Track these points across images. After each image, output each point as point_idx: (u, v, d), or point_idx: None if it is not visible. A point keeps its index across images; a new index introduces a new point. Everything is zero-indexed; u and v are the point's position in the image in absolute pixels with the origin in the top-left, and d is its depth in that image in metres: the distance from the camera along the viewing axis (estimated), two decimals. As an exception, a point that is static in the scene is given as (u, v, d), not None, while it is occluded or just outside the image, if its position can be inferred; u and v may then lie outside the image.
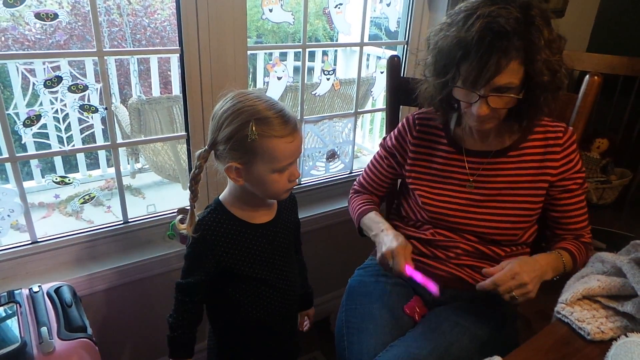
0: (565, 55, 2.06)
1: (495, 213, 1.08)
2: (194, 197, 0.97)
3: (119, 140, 2.46)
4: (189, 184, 0.97)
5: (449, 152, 1.13)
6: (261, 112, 0.88)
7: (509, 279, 0.93)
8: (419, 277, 1.00)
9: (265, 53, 3.43)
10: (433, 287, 0.98)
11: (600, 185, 1.88)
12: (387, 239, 1.07)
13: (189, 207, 0.97)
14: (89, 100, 1.26)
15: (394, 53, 1.63)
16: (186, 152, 1.47)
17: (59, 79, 1.19)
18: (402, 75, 1.55)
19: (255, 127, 0.87)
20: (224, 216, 0.98)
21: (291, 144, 0.91)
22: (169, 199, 2.87)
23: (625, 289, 0.82)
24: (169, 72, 3.44)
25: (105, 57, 1.23)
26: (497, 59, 0.88)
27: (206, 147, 0.94)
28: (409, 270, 1.00)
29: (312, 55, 3.46)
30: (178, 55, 1.30)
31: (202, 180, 0.96)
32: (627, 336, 0.73)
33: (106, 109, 1.26)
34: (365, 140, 3.27)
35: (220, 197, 1.02)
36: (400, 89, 1.39)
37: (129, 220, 1.41)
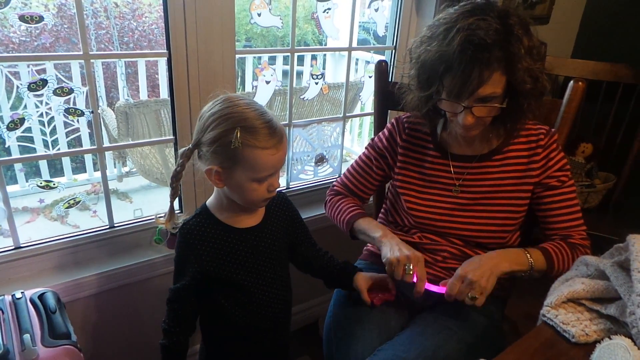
0: (550, 61, 2.11)
1: (481, 217, 1.09)
2: (173, 194, 0.98)
3: (106, 144, 2.45)
4: (170, 181, 0.98)
5: (436, 157, 1.14)
6: (249, 120, 0.88)
7: (458, 285, 0.96)
8: (433, 287, 1.02)
9: (254, 57, 3.43)
10: (439, 289, 1.01)
11: (585, 189, 1.90)
12: (405, 246, 1.05)
13: (176, 212, 0.98)
14: (74, 103, 1.24)
15: (383, 58, 1.64)
16: (174, 156, 1.46)
17: (44, 82, 1.17)
18: (390, 79, 1.56)
19: (240, 135, 0.86)
20: (207, 220, 0.98)
21: (274, 156, 0.90)
22: (157, 203, 2.84)
23: (609, 291, 0.83)
24: (156, 76, 3.42)
25: (91, 60, 1.22)
26: (480, 71, 0.90)
27: (190, 146, 0.94)
28: (427, 285, 1.01)
29: (301, 60, 3.46)
30: (166, 58, 1.29)
31: (190, 183, 0.96)
32: (610, 338, 0.74)
33: (92, 112, 1.25)
34: (354, 144, 3.28)
35: (207, 202, 1.02)
36: (388, 94, 1.40)
37: (115, 225, 1.40)
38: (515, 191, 1.08)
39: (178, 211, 1.47)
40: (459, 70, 0.91)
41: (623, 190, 1.93)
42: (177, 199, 1.12)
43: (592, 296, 0.84)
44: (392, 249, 1.04)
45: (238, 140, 0.86)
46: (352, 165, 1.30)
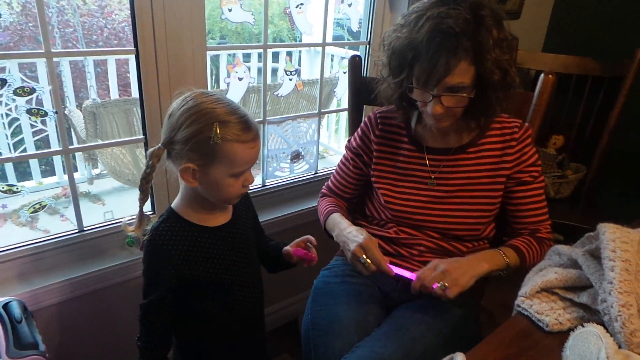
0: (522, 55, 2.14)
1: (456, 209, 1.10)
2: (143, 198, 0.94)
3: (75, 145, 2.37)
4: (139, 184, 0.94)
5: (411, 150, 1.14)
6: (224, 115, 0.87)
7: (431, 272, 0.97)
8: (396, 269, 1.01)
9: (229, 54, 3.39)
10: (410, 275, 1.00)
11: (557, 180, 1.94)
12: (350, 235, 1.07)
13: (149, 214, 0.94)
14: (37, 103, 1.20)
15: (357, 53, 1.63)
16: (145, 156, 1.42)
17: (3, 82, 1.12)
18: (364, 74, 1.56)
19: (219, 130, 0.85)
20: (178, 223, 0.95)
21: (252, 149, 0.90)
22: (130, 205, 2.76)
23: (581, 280, 0.84)
24: (127, 74, 3.34)
25: (56, 59, 1.17)
26: (447, 60, 0.90)
27: (160, 145, 0.91)
28: (396, 269, 1.01)
29: (276, 57, 3.44)
30: (133, 56, 1.25)
31: (163, 184, 0.93)
32: (583, 326, 0.75)
33: (57, 112, 1.20)
34: (332, 141, 3.28)
35: (173, 205, 0.99)
36: (362, 89, 1.39)
37: (85, 229, 1.35)
38: (490, 183, 1.09)
39: (150, 212, 1.43)
40: (427, 57, 0.91)
41: (593, 181, 1.98)
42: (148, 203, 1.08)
43: (565, 285, 0.85)
44: (345, 248, 1.06)
45: (217, 135, 0.85)
46: (335, 168, 1.32)
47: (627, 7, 1.97)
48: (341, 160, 1.29)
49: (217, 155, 0.87)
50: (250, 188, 1.65)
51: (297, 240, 1.12)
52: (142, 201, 0.95)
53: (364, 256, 1.01)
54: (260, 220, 1.60)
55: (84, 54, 2.76)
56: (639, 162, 2.06)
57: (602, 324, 0.75)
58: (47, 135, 2.66)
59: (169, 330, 0.98)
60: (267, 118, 1.60)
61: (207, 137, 0.85)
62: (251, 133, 0.89)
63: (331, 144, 3.24)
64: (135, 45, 1.22)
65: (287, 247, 1.12)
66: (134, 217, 0.98)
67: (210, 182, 0.91)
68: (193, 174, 0.90)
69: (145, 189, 0.94)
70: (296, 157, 1.75)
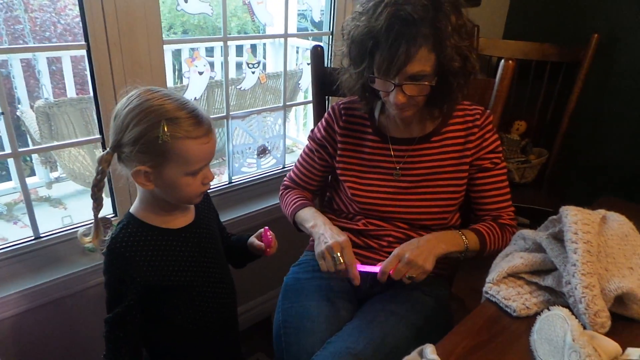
0: (483, 42, 2.16)
1: (423, 199, 1.09)
2: (97, 206, 0.89)
3: (30, 147, 2.26)
4: (91, 192, 0.88)
5: (375, 141, 1.13)
6: (172, 111, 0.82)
7: (395, 263, 0.97)
8: (365, 267, 1.01)
9: (190, 49, 3.30)
10: (375, 269, 1.00)
11: (521, 165, 1.98)
12: (329, 232, 1.05)
13: (110, 216, 0.89)
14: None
15: (320, 44, 1.61)
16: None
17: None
18: (327, 65, 1.53)
19: (167, 128, 0.80)
20: (139, 228, 0.90)
21: (206, 145, 0.85)
22: (94, 207, 2.67)
23: (546, 263, 0.85)
24: (85, 72, 3.21)
25: (3, 57, 1.09)
26: (407, 47, 0.89)
27: (108, 149, 0.86)
28: (359, 266, 1.00)
29: (241, 51, 3.37)
30: (85, 51, 1.19)
31: (125, 187, 0.88)
32: (549, 309, 0.76)
33: (3, 113, 1.13)
34: (300, 134, 3.25)
35: (131, 210, 0.94)
36: (325, 80, 1.37)
37: (41, 235, 1.28)
38: (455, 171, 1.09)
39: (112, 215, 1.37)
40: (387, 46, 0.90)
41: (555, 164, 2.03)
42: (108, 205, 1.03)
43: (531, 269, 0.87)
44: (319, 243, 1.04)
45: (166, 134, 0.80)
46: (298, 159, 1.29)
47: (583, -6, 2.02)
48: (304, 151, 1.27)
49: (169, 155, 0.83)
50: (217, 186, 1.63)
51: (257, 233, 1.10)
52: (97, 210, 0.89)
53: (339, 253, 0.99)
54: (228, 219, 1.59)
55: (30, 50, 2.59)
56: (599, 145, 2.13)
57: (567, 306, 0.76)
58: (1, 139, 2.53)
59: (138, 343, 0.93)
60: (231, 113, 1.56)
61: (156, 137, 0.80)
62: (203, 128, 0.84)
63: (299, 137, 3.22)
64: (86, 39, 1.16)
65: (252, 238, 1.10)
66: (90, 223, 0.92)
67: (166, 184, 0.86)
68: (146, 176, 0.85)
69: (98, 197, 0.89)
70: (263, 152, 1.72)
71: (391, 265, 0.97)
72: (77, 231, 1.30)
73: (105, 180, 0.89)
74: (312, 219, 1.12)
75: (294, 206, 1.19)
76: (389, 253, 1.10)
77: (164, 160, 0.83)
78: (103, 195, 0.91)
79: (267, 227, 1.07)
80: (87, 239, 0.91)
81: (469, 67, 0.97)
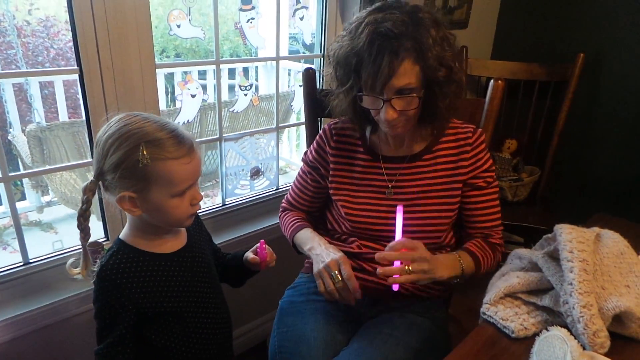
0: (471, 63, 2.19)
1: (416, 217, 1.09)
2: (85, 236, 0.86)
3: (21, 171, 2.24)
4: (77, 222, 0.86)
5: (367, 160, 1.13)
6: (151, 133, 0.81)
7: (410, 247, 0.94)
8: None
9: (183, 72, 3.32)
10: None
11: (514, 183, 1.99)
12: (325, 252, 1.05)
13: (102, 240, 0.87)
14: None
15: (312, 66, 1.62)
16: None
17: None
18: (319, 87, 1.55)
19: (147, 151, 0.79)
20: (130, 254, 0.88)
21: (188, 165, 0.84)
22: (85, 232, 2.63)
23: (542, 283, 0.85)
24: (78, 96, 3.21)
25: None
26: (389, 60, 0.90)
27: (92, 178, 0.84)
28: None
29: (233, 74, 3.40)
30: (77, 75, 1.19)
31: (116, 211, 0.87)
32: (547, 330, 0.75)
33: (-7, 138, 1.12)
34: (293, 156, 3.25)
35: (121, 236, 0.91)
36: (317, 101, 1.38)
37: (31, 261, 1.26)
38: (447, 189, 1.09)
39: (104, 239, 1.35)
40: (370, 61, 0.92)
41: (547, 182, 2.04)
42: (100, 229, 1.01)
43: (528, 289, 0.86)
44: (316, 263, 1.04)
45: (145, 157, 0.79)
46: (293, 181, 1.29)
47: (569, 13, 2.07)
48: (298, 174, 1.27)
49: (152, 178, 0.81)
50: (210, 208, 1.62)
51: (253, 247, 1.08)
52: (84, 240, 0.87)
53: (337, 271, 0.99)
54: (222, 241, 1.57)
55: (23, 75, 2.58)
56: (590, 162, 2.15)
57: (565, 325, 0.76)
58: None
59: None
60: (224, 135, 1.56)
61: (136, 161, 0.79)
62: (184, 147, 0.83)
63: (292, 159, 3.22)
64: (79, 64, 1.16)
65: (248, 252, 1.08)
66: (78, 251, 0.90)
67: (153, 208, 0.85)
68: (132, 202, 0.83)
69: (85, 227, 0.86)
70: (256, 173, 1.71)
71: (409, 245, 0.94)
72: (66, 257, 1.29)
73: (92, 208, 0.88)
74: (309, 242, 1.12)
75: (292, 229, 1.20)
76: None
77: (147, 184, 0.82)
78: (90, 224, 0.89)
79: (263, 241, 1.06)
80: (76, 270, 0.89)
81: (454, 77, 0.98)
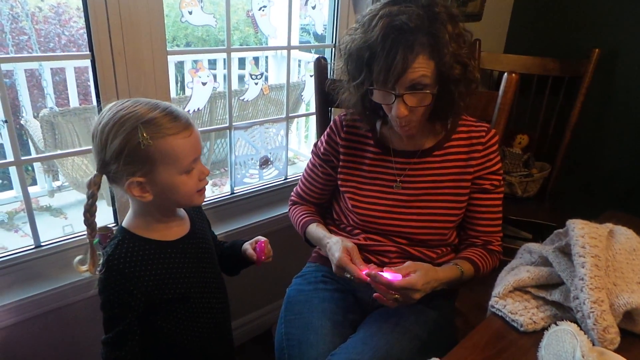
0: (484, 56, 2.17)
1: (422, 213, 1.08)
2: (92, 232, 0.86)
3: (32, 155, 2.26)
4: (83, 218, 0.85)
5: (376, 153, 1.13)
6: (145, 114, 0.80)
7: (403, 288, 0.92)
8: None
9: (193, 61, 3.32)
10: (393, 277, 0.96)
11: (524, 178, 1.98)
12: (330, 255, 1.04)
13: (111, 225, 0.87)
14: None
15: (324, 56, 1.61)
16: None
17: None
18: (330, 77, 1.54)
19: (145, 131, 0.79)
20: (135, 243, 0.88)
21: (188, 138, 0.84)
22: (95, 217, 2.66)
23: (553, 277, 0.84)
24: (88, 83, 3.22)
25: (10, 67, 1.10)
26: (403, 55, 0.89)
27: (96, 172, 0.84)
28: (365, 271, 0.97)
29: (243, 63, 3.39)
30: (89, 60, 1.19)
31: (126, 197, 0.86)
32: (557, 324, 0.75)
33: (6, 121, 1.13)
34: (302, 146, 3.25)
35: (124, 224, 0.91)
36: (328, 91, 1.37)
37: (42, 244, 1.27)
38: (456, 187, 1.08)
39: (113, 224, 1.36)
40: (383, 55, 0.90)
41: (558, 178, 2.02)
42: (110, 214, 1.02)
43: (537, 283, 0.85)
44: (332, 261, 1.04)
45: (146, 137, 0.79)
46: (302, 174, 1.29)
47: (585, 8, 2.04)
48: (308, 166, 1.26)
49: (156, 158, 0.81)
50: (219, 196, 1.62)
51: (252, 240, 1.09)
52: (91, 236, 0.86)
53: (346, 274, 0.98)
54: (229, 229, 1.58)
55: (35, 59, 2.59)
56: (601, 159, 2.12)
57: (575, 321, 0.75)
58: (2, 147, 2.53)
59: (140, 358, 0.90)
60: (234, 124, 1.56)
61: (137, 143, 0.79)
62: (180, 123, 0.83)
63: (301, 149, 3.22)
64: (91, 49, 1.17)
65: (247, 244, 1.08)
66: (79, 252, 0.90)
67: (163, 189, 0.85)
68: (141, 187, 0.83)
69: (92, 223, 0.86)
70: (265, 163, 1.71)
71: (417, 282, 0.93)
72: (77, 241, 1.30)
73: (102, 193, 0.88)
74: (318, 242, 1.14)
75: (301, 223, 1.20)
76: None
77: (152, 165, 0.82)
78: (98, 212, 0.88)
79: (265, 240, 1.06)
80: (84, 267, 0.88)
81: (469, 75, 0.96)
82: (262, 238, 1.07)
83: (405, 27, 0.88)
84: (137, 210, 0.90)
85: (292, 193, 1.32)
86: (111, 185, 0.86)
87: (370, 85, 0.97)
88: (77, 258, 0.91)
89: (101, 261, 0.87)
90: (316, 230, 1.16)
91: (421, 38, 0.89)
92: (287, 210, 1.32)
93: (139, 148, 0.79)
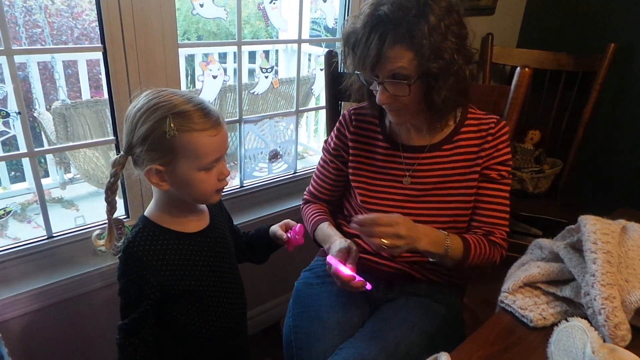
0: (497, 51, 2.14)
1: (432, 207, 1.08)
2: (111, 209, 0.88)
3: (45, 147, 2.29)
4: (105, 195, 0.88)
5: (385, 147, 1.12)
6: (178, 106, 0.82)
7: (387, 223, 0.92)
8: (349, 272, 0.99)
9: (204, 54, 3.33)
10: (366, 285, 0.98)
11: (535, 174, 1.96)
12: (332, 248, 1.06)
13: (122, 218, 0.89)
14: (4, 106, 1.13)
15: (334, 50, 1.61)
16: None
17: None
18: (340, 71, 1.53)
19: (174, 122, 0.80)
20: (155, 232, 0.89)
21: (215, 137, 0.84)
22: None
23: (563, 273, 0.83)
24: (100, 76, 3.25)
25: (23, 60, 1.11)
26: (378, 43, 0.92)
27: (122, 152, 0.85)
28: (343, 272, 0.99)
29: (253, 58, 3.39)
30: (101, 53, 1.20)
31: (137, 189, 0.88)
32: (567, 321, 0.74)
33: (20, 113, 1.14)
34: (311, 140, 3.25)
35: (146, 213, 0.93)
36: (338, 85, 1.37)
37: (54, 235, 1.29)
38: (466, 180, 1.07)
39: (124, 217, 1.38)
40: (363, 42, 0.94)
41: (570, 175, 2.00)
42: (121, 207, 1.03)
43: (548, 279, 0.85)
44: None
45: (172, 128, 0.80)
46: (314, 172, 1.29)
47: (600, 1, 2.00)
48: (319, 164, 1.26)
49: (179, 150, 0.82)
50: (229, 189, 1.63)
51: (280, 223, 1.10)
52: (110, 213, 0.89)
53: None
54: (239, 222, 1.58)
55: (48, 51, 2.61)
56: (614, 155, 2.09)
57: (585, 317, 0.74)
58: (15, 139, 2.56)
59: (152, 350, 0.91)
60: (244, 117, 1.56)
61: (163, 132, 0.80)
62: (210, 120, 0.84)
63: (311, 143, 3.22)
64: (103, 42, 1.17)
65: (276, 227, 1.09)
66: (103, 225, 0.92)
67: (181, 181, 0.85)
68: (159, 175, 0.84)
69: (112, 200, 0.88)
70: (274, 156, 1.72)
71: (384, 220, 0.93)
72: (89, 232, 1.32)
73: (119, 182, 0.90)
74: (325, 240, 1.14)
75: (312, 223, 1.21)
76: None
77: (174, 156, 0.83)
78: (116, 198, 0.91)
79: (300, 225, 1.07)
80: (101, 242, 0.90)
81: (451, 70, 0.93)
82: (292, 222, 1.08)
83: (383, 17, 0.91)
84: (158, 200, 0.92)
85: (305, 192, 1.32)
86: (135, 167, 0.88)
87: (355, 70, 1.01)
88: (96, 232, 0.94)
89: (120, 244, 0.89)
90: (324, 230, 1.16)
91: (399, 29, 0.90)
92: (296, 204, 1.33)
93: (164, 137, 0.80)
